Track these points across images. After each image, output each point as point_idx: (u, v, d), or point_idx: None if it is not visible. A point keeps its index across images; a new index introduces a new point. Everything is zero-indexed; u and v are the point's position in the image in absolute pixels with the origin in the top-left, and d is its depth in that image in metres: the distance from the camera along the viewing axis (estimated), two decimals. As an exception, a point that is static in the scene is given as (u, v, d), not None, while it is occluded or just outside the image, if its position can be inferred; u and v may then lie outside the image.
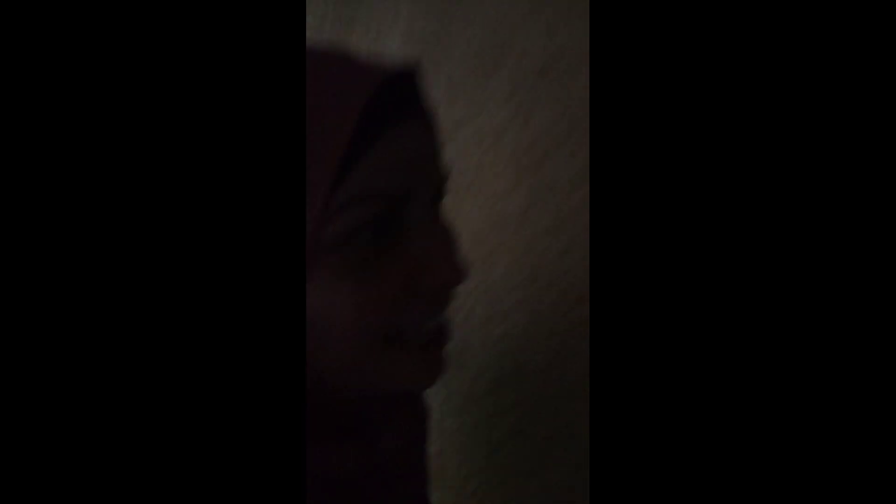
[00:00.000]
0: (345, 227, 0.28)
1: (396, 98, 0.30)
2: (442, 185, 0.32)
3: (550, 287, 0.65)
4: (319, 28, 1.09)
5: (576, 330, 0.64)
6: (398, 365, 0.32)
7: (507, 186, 0.70)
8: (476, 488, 0.79)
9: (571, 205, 0.59)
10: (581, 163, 0.60)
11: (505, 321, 0.72)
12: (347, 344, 0.30)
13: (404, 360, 0.32)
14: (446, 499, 0.83)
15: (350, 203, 0.28)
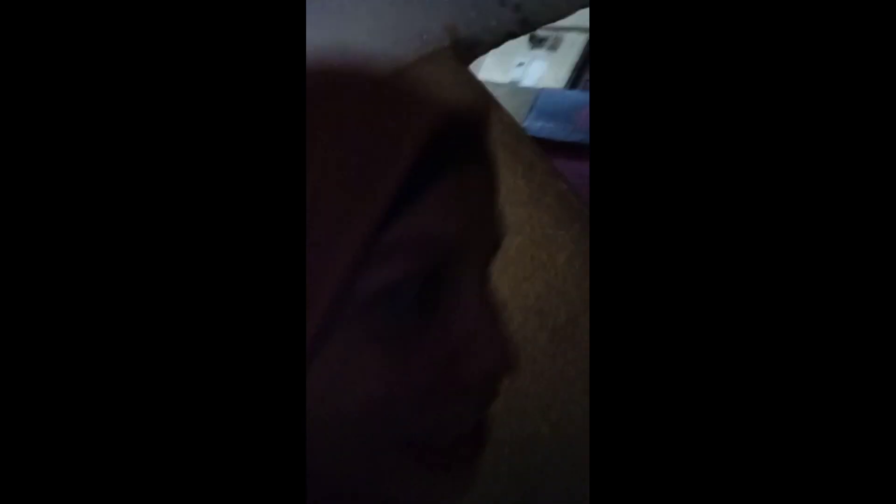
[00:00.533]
0: (387, 278, 0.22)
1: (464, 138, 0.26)
2: (499, 243, 0.27)
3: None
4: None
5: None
6: (415, 481, 0.25)
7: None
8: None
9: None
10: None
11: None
12: (358, 439, 0.24)
13: (424, 475, 0.25)
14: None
15: (398, 249, 0.22)
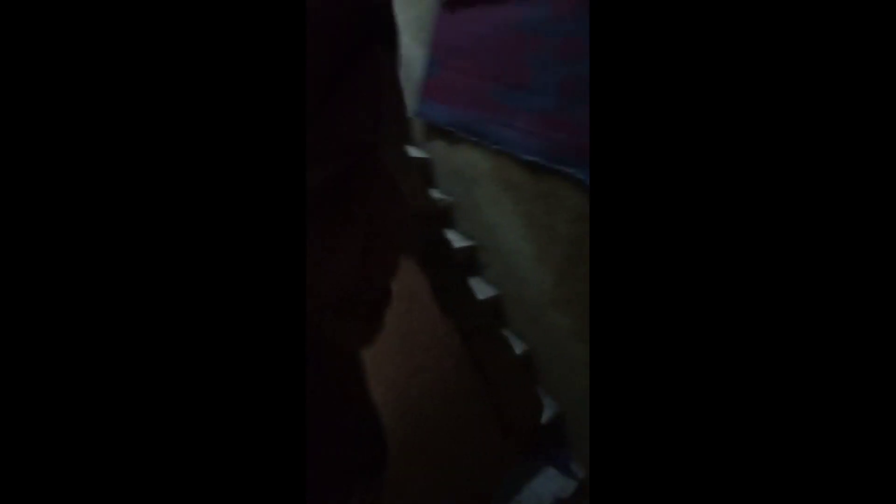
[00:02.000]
0: (320, 180, 0.27)
1: (371, 28, 0.28)
2: (405, 137, 0.31)
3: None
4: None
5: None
6: (346, 332, 0.32)
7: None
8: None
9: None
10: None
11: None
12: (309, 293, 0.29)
13: (352, 326, 0.32)
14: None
15: (326, 155, 0.26)
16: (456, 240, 1.90)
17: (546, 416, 1.45)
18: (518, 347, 1.65)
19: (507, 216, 1.80)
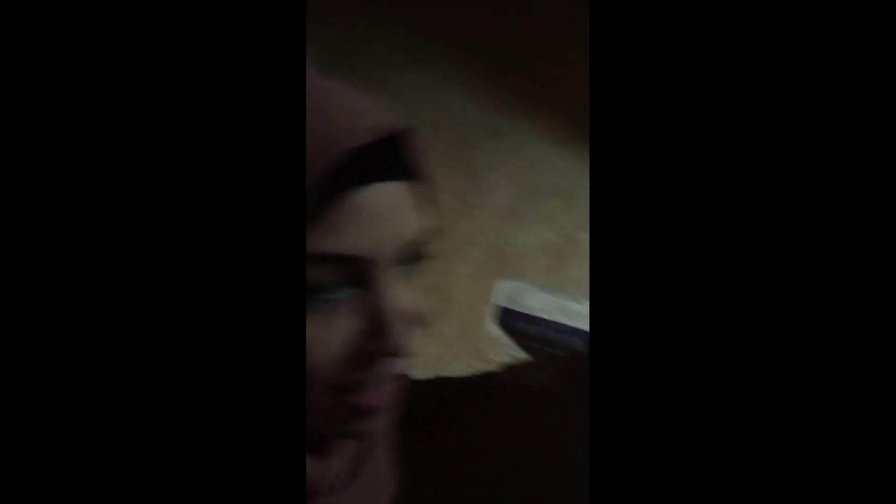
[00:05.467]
0: (316, 280, 0.29)
1: (378, 157, 0.30)
2: (417, 249, 0.32)
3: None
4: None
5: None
6: (346, 419, 0.33)
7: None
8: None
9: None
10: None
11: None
12: (308, 389, 0.30)
13: (352, 415, 0.33)
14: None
15: (312, 261, 0.28)
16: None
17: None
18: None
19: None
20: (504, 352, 1.28)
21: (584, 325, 1.27)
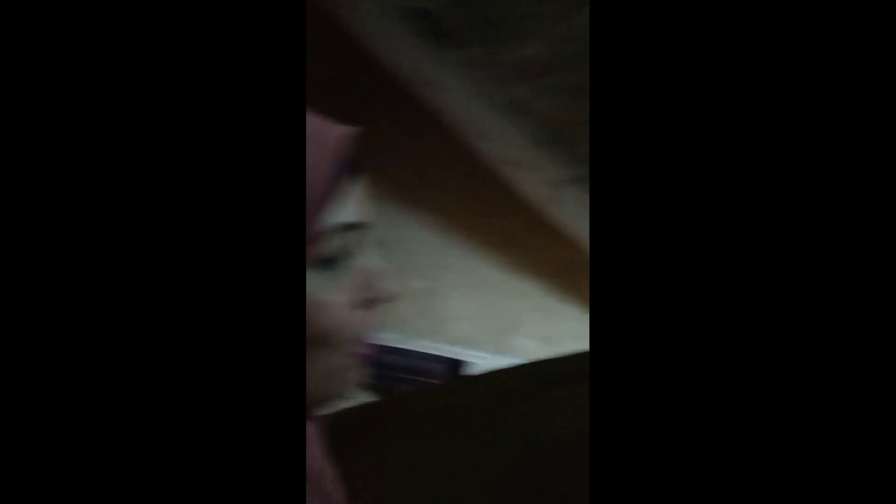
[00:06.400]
0: (322, 252, 0.35)
1: (347, 158, 0.38)
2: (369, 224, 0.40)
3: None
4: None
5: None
6: (351, 371, 0.40)
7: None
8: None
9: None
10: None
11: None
12: (329, 349, 0.37)
13: (353, 366, 0.40)
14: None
15: (327, 233, 0.35)
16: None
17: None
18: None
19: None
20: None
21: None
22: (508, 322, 1.31)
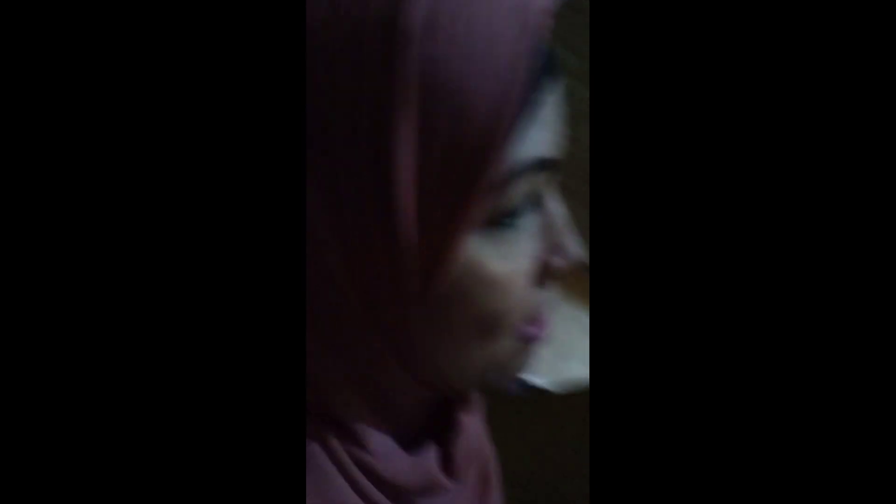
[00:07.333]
0: (506, 202, 0.26)
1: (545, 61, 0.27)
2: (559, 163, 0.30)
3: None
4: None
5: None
6: (517, 359, 0.31)
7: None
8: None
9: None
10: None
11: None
12: (498, 334, 0.28)
13: (521, 353, 0.31)
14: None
15: (514, 176, 0.25)
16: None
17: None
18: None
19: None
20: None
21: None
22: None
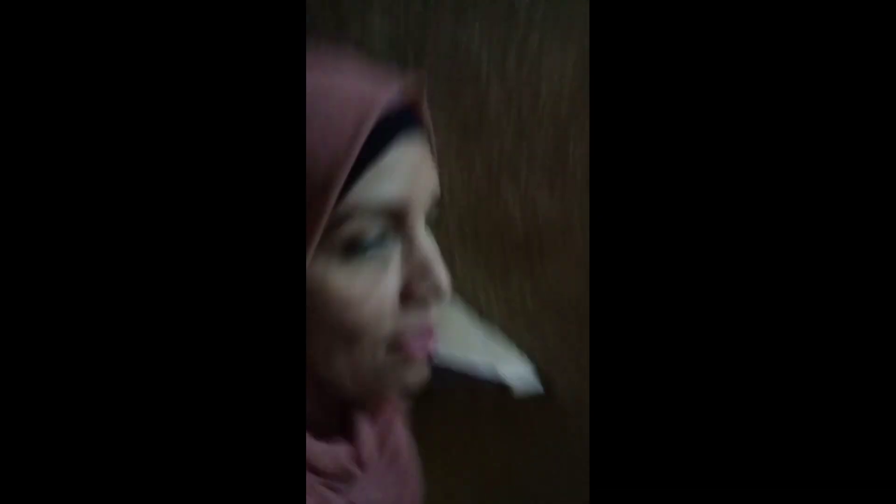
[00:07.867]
0: (350, 235, 0.31)
1: (403, 114, 0.33)
2: (433, 200, 0.35)
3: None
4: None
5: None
6: (397, 371, 0.35)
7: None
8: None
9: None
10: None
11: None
12: (359, 347, 0.33)
13: (403, 365, 0.35)
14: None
15: (355, 214, 0.31)
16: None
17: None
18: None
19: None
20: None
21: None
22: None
